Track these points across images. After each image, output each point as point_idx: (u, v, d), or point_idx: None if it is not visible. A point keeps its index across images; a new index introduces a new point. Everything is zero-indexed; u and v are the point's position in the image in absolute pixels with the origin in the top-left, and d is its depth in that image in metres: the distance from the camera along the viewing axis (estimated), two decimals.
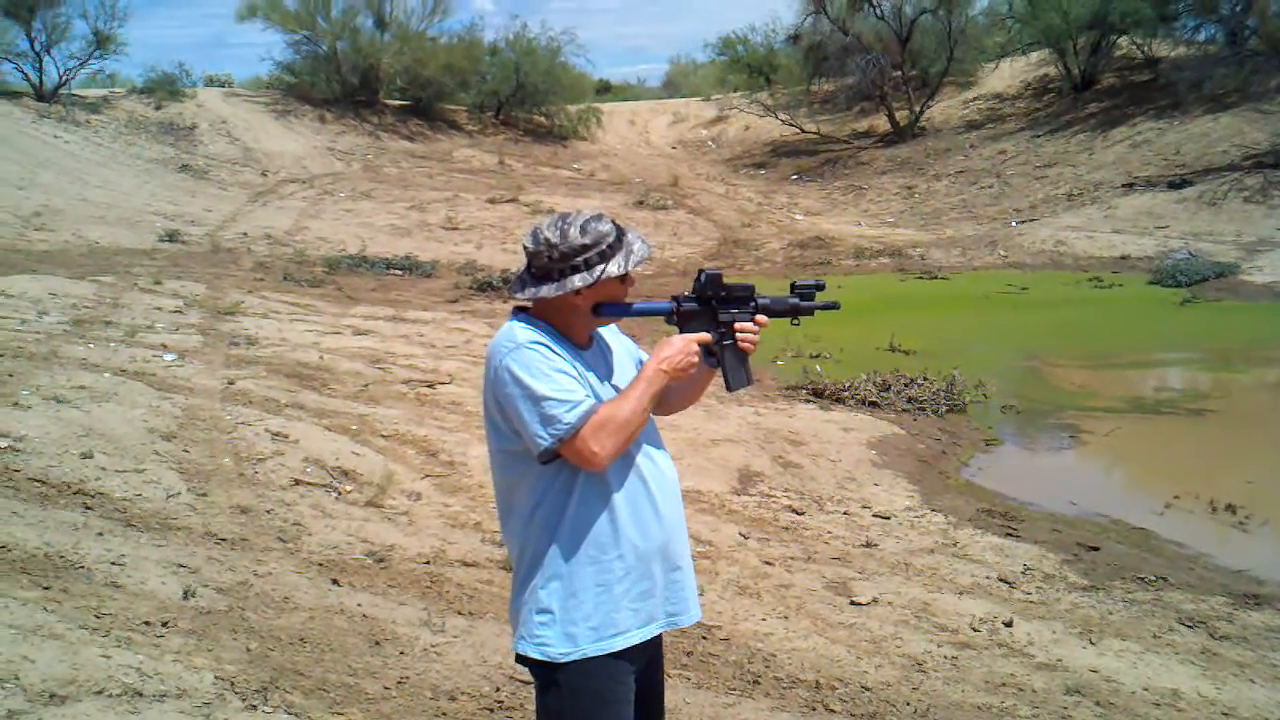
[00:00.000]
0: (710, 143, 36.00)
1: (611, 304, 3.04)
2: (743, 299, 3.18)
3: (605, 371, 3.13)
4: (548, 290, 2.96)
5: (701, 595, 5.91)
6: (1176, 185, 21.64)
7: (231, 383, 9.32)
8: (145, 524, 6.24)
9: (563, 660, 2.93)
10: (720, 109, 37.39)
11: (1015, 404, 10.73)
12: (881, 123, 32.69)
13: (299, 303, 14.11)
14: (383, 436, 8.44)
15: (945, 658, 5.39)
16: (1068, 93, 29.95)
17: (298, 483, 7.29)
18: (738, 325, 3.16)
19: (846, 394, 10.61)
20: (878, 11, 33.04)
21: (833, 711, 4.82)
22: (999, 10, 34.06)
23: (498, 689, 4.81)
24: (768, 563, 6.61)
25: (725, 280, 3.16)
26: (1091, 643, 5.59)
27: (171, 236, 18.29)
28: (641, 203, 25.25)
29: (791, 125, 33.84)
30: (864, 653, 5.43)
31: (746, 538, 7.04)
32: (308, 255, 18.53)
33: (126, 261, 15.53)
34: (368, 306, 14.54)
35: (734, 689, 5.00)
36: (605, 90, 46.70)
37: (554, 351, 2.93)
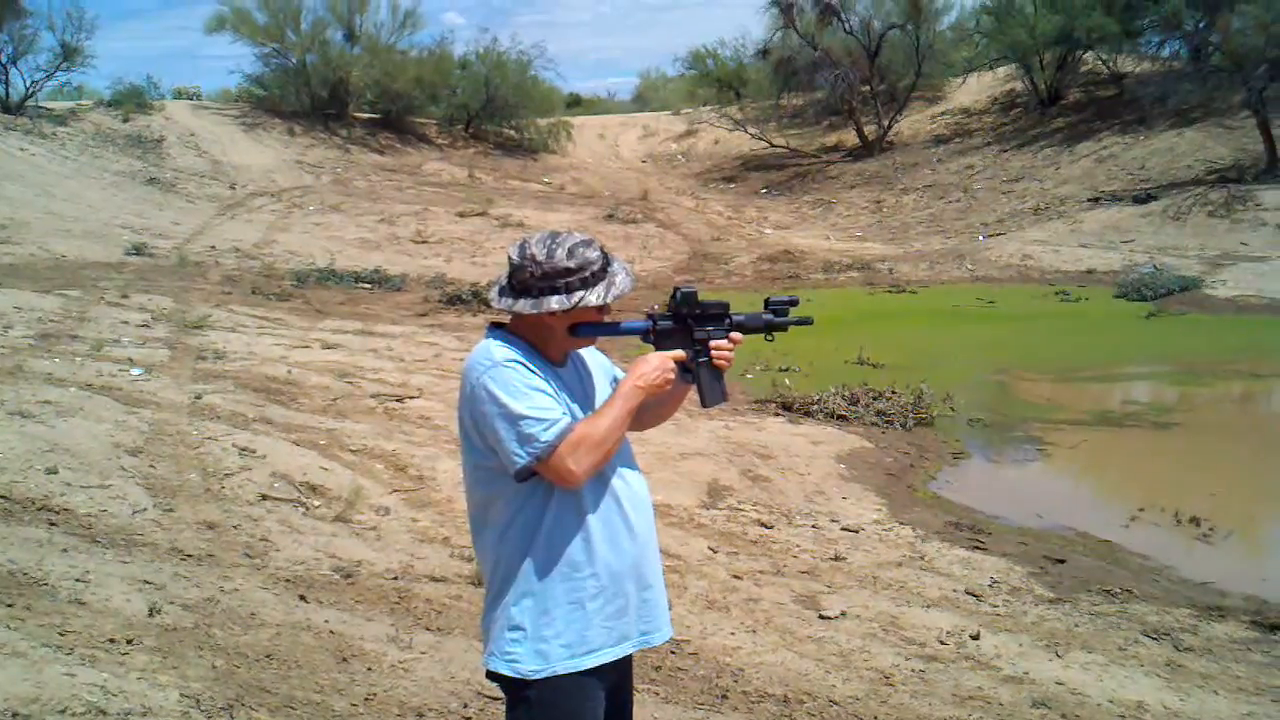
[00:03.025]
0: (680, 157, 36.10)
1: (587, 324, 3.05)
2: (718, 316, 3.20)
3: (581, 389, 3.13)
4: (524, 306, 2.97)
5: (670, 609, 5.94)
6: (1141, 200, 21.85)
7: (199, 397, 9.26)
8: (110, 540, 6.19)
9: (534, 677, 2.93)
10: (690, 123, 37.50)
11: (983, 417, 10.79)
12: (850, 137, 32.89)
13: (267, 316, 14.05)
14: (351, 451, 8.41)
15: (913, 671, 5.41)
16: (1034, 108, 30.22)
17: (265, 498, 7.25)
18: (713, 343, 3.18)
19: (815, 407, 10.65)
20: (846, 26, 33.23)
21: None
22: (966, 25, 34.35)
23: (465, 705, 4.80)
24: (736, 576, 6.62)
25: (700, 297, 3.18)
26: (1058, 655, 5.62)
27: (139, 250, 18.17)
28: (611, 216, 25.29)
29: (761, 139, 33.99)
30: (832, 666, 5.44)
31: (715, 551, 7.04)
32: (276, 269, 18.45)
33: (93, 275, 15.42)
34: (336, 320, 14.49)
35: (702, 704, 5.00)
36: (575, 104, 46.70)
37: (530, 369, 2.93)
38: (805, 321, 3.37)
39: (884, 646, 5.70)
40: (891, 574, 6.77)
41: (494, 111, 34.62)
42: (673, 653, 5.48)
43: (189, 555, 6.18)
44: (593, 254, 3.00)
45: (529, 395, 2.88)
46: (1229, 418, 11.35)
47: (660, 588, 3.21)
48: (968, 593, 6.48)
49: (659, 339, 3.15)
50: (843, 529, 7.66)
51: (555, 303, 2.95)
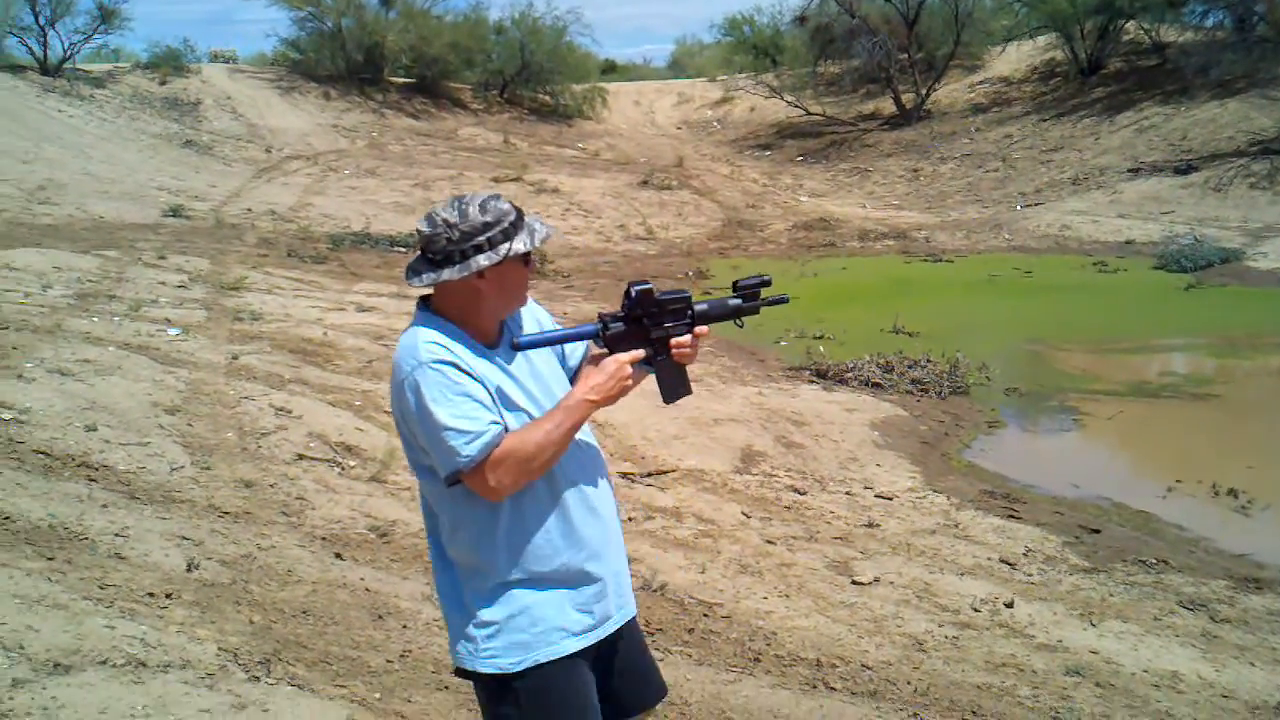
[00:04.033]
0: (716, 124, 35.88)
1: (530, 335, 2.90)
2: (677, 311, 2.99)
3: (522, 371, 2.95)
4: (450, 274, 2.78)
5: (703, 573, 6.00)
6: (1182, 171, 21.56)
7: (235, 358, 9.32)
8: (149, 497, 6.26)
9: (515, 670, 2.84)
10: (726, 90, 37.24)
11: (1018, 387, 10.72)
12: (887, 105, 32.58)
13: (303, 279, 14.11)
14: (385, 412, 8.44)
15: (946, 638, 5.41)
16: (1074, 77, 29.80)
17: (301, 457, 7.30)
18: (674, 340, 2.99)
19: (850, 375, 10.62)
20: None
21: (833, 689, 4.84)
22: None
23: None
24: (769, 542, 6.63)
25: (658, 292, 2.97)
26: (1092, 624, 5.61)
27: (176, 211, 18.26)
28: (646, 183, 25.19)
29: (797, 107, 33.72)
30: (865, 632, 5.44)
31: (749, 517, 7.05)
32: (312, 232, 18.51)
33: (131, 236, 15.51)
34: (371, 283, 14.53)
35: (735, 666, 5.02)
36: (610, 70, 46.45)
37: (460, 370, 2.76)
38: (780, 300, 3.18)
39: (917, 613, 5.70)
40: (925, 541, 6.76)
41: (529, 77, 34.50)
42: (705, 615, 5.51)
43: (226, 512, 6.24)
44: (504, 205, 2.83)
45: (454, 403, 2.72)
46: (1268, 390, 11.22)
47: (625, 560, 3.11)
48: (1002, 561, 6.47)
49: (612, 343, 2.93)
50: (876, 496, 7.66)
51: (484, 259, 2.77)
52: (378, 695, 4.51)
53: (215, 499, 6.41)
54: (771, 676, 4.94)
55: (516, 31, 34.83)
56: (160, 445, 7.09)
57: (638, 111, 36.96)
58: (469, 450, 2.70)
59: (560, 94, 34.93)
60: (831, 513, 7.26)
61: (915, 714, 4.65)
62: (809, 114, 33.42)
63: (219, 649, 4.60)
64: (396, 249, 17.72)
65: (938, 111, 31.24)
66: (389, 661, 4.75)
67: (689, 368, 3.10)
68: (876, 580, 6.09)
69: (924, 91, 31.61)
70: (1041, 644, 5.39)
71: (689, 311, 3.00)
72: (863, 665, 5.07)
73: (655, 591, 5.74)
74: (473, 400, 2.75)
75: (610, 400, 2.89)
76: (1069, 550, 6.70)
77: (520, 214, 2.87)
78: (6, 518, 5.53)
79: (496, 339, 2.94)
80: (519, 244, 2.81)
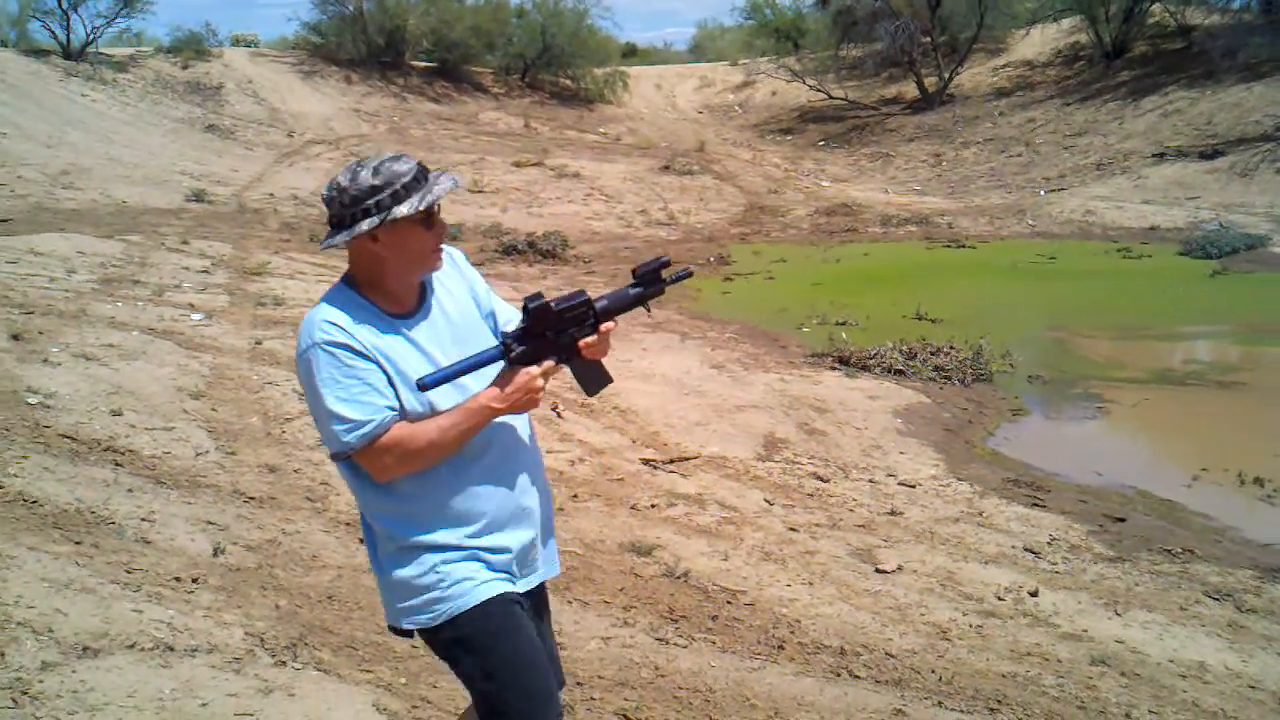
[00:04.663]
0: (737, 108, 35.79)
1: (432, 374, 2.77)
2: (578, 317, 2.95)
3: (441, 339, 2.91)
4: (340, 239, 2.75)
5: (726, 561, 5.99)
6: (1208, 156, 21.39)
7: (259, 343, 9.36)
8: (174, 481, 6.29)
9: (435, 625, 2.86)
10: (747, 74, 37.11)
11: (1042, 374, 10.67)
12: (910, 89, 32.43)
13: (325, 264, 14.14)
14: None
15: (970, 626, 5.40)
16: (1099, 61, 29.59)
17: None
18: (583, 341, 2.96)
19: (872, 362, 10.58)
20: None
21: (857, 677, 4.84)
22: None
23: None
24: (792, 529, 6.62)
25: (554, 303, 2.91)
26: (1117, 614, 5.59)
27: (198, 196, 18.32)
28: (667, 167, 25.15)
29: (819, 91, 33.59)
30: (889, 620, 5.43)
31: (771, 504, 7.05)
32: None
33: (154, 221, 15.57)
34: None
35: (759, 654, 5.02)
36: (632, 54, 46.38)
37: (354, 352, 2.73)
38: (683, 275, 3.14)
39: (941, 601, 5.68)
40: (949, 529, 6.74)
41: (550, 61, 34.47)
42: (729, 603, 5.51)
43: (251, 497, 6.27)
44: (402, 167, 2.76)
45: (342, 386, 2.71)
46: None
47: (550, 523, 3.14)
48: (1026, 549, 6.45)
49: (518, 362, 2.87)
50: (900, 484, 7.63)
51: (366, 225, 2.72)
52: (403, 680, 4.54)
53: (240, 484, 6.45)
54: (795, 664, 4.94)
55: (538, 15, 34.81)
56: (185, 430, 7.12)
57: (659, 96, 36.89)
58: (348, 439, 2.72)
59: (581, 78, 34.90)
60: (854, 500, 7.25)
61: (939, 703, 4.64)
62: (831, 98, 33.30)
63: (245, 633, 4.63)
64: None
65: (961, 95, 31.10)
66: (414, 646, 4.76)
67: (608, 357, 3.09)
68: (900, 568, 6.07)
69: (947, 75, 31.47)
70: (1066, 633, 5.37)
71: (591, 313, 2.97)
72: (886, 653, 5.07)
73: (678, 579, 5.74)
74: (363, 384, 2.73)
75: (517, 410, 2.87)
76: (1094, 539, 6.67)
77: (420, 175, 2.79)
78: (34, 501, 5.57)
79: (414, 305, 2.91)
80: (403, 208, 2.73)
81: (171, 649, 4.35)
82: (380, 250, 2.79)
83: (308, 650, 4.57)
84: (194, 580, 5.07)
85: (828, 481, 7.61)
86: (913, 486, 7.58)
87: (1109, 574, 6.14)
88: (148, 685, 4.07)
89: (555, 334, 2.92)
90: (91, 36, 28.59)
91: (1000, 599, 5.74)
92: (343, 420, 2.71)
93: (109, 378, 7.73)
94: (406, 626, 2.91)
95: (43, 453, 6.24)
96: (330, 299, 2.84)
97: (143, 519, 5.65)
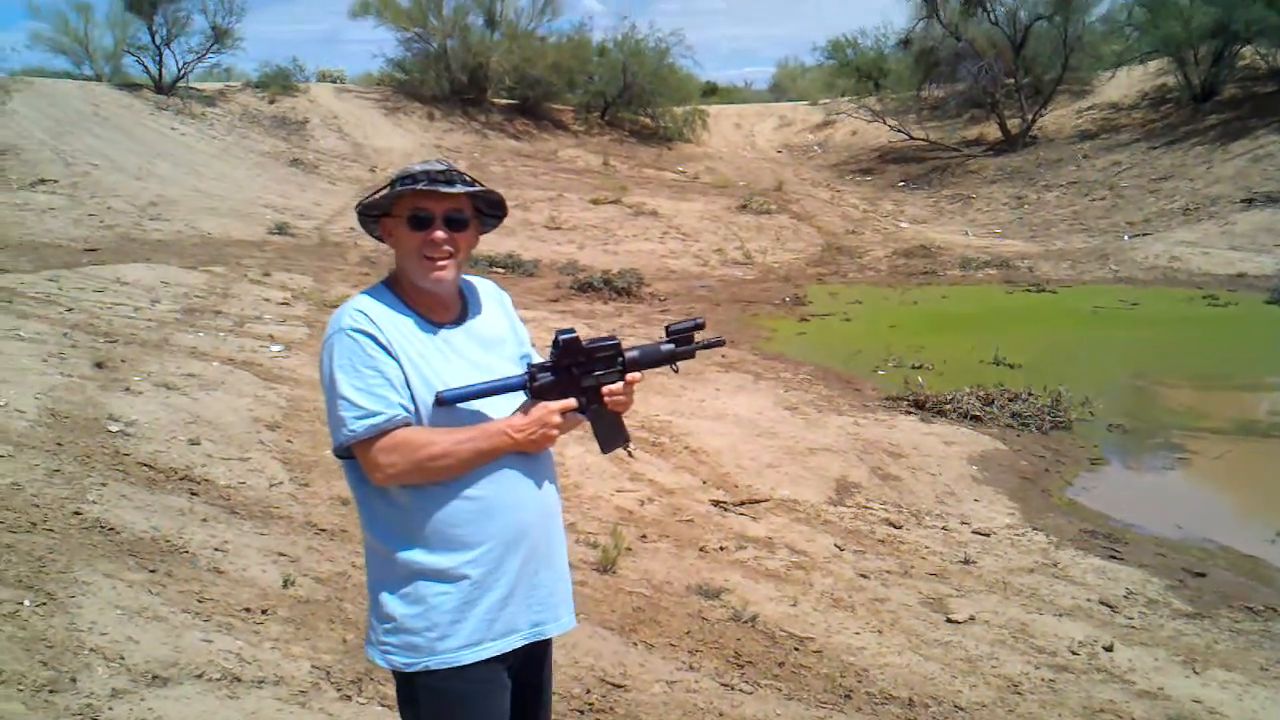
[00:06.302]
0: (816, 147, 35.77)
1: (455, 390, 2.74)
2: (607, 359, 2.90)
3: (472, 356, 2.87)
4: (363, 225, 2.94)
5: (795, 606, 5.92)
6: None
7: None
8: (248, 511, 6.37)
9: (408, 670, 2.76)
10: (827, 113, 37.14)
11: (1123, 423, 10.48)
12: (992, 130, 32.21)
13: None
14: None
15: (1043, 680, 5.29)
16: (1187, 103, 29.19)
17: None
18: (605, 389, 2.89)
19: (948, 407, 10.46)
20: (991, 17, 32.57)
21: None
22: (1117, 18, 33.30)
23: (588, 690, 4.82)
24: (863, 575, 6.55)
25: (585, 340, 2.88)
26: (1195, 672, 5.45)
27: (281, 229, 18.66)
28: (745, 206, 25.18)
29: (900, 131, 33.47)
30: (959, 671, 5.34)
31: (842, 549, 6.98)
32: None
33: (237, 252, 15.87)
34: None
35: (825, 702, 4.95)
36: (711, 92, 46.53)
37: (377, 343, 2.72)
38: (716, 343, 3.09)
39: (1013, 654, 5.58)
40: (1023, 580, 6.62)
41: (630, 99, 34.75)
42: (796, 649, 5.45)
43: (323, 529, 6.33)
44: (417, 167, 2.81)
45: (360, 374, 2.69)
46: None
47: (560, 572, 2.97)
48: (1102, 603, 6.32)
49: (539, 394, 2.82)
50: (974, 532, 7.53)
51: (357, 216, 2.89)
52: None
53: (313, 516, 6.51)
54: (863, 714, 4.87)
55: (619, 53, 35.13)
56: (260, 461, 7.22)
57: (738, 134, 36.99)
58: (356, 426, 2.68)
59: (661, 116, 35.13)
60: (927, 548, 7.15)
61: None
62: (912, 139, 33.16)
63: (312, 666, 4.66)
64: (495, 269, 17.89)
65: (1044, 138, 30.81)
66: None
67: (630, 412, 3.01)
68: (972, 619, 5.98)
69: (1030, 117, 31.22)
70: (1142, 690, 5.24)
71: (619, 358, 2.92)
72: (956, 706, 4.98)
73: (746, 623, 5.69)
74: (381, 377, 2.71)
75: (531, 445, 2.79)
76: (1172, 594, 6.52)
77: (424, 176, 2.78)
78: (111, 529, 5.66)
79: (449, 317, 2.90)
80: (377, 197, 2.83)
81: (239, 680, 4.39)
82: (390, 242, 2.88)
83: (373, 685, 4.59)
84: (263, 611, 5.12)
85: (900, 528, 7.52)
86: (987, 535, 7.46)
87: (1187, 630, 5.99)
88: (215, 716, 4.10)
89: (581, 371, 2.87)
90: (183, 71, 29.42)
91: (1074, 653, 5.63)
92: (353, 406, 2.68)
93: (188, 407, 7.86)
94: (379, 663, 2.80)
95: (121, 480, 6.35)
96: (367, 293, 2.87)
97: (215, 549, 5.72)
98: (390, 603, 2.77)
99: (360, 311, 2.76)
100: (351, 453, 2.76)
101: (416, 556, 2.74)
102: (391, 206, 2.84)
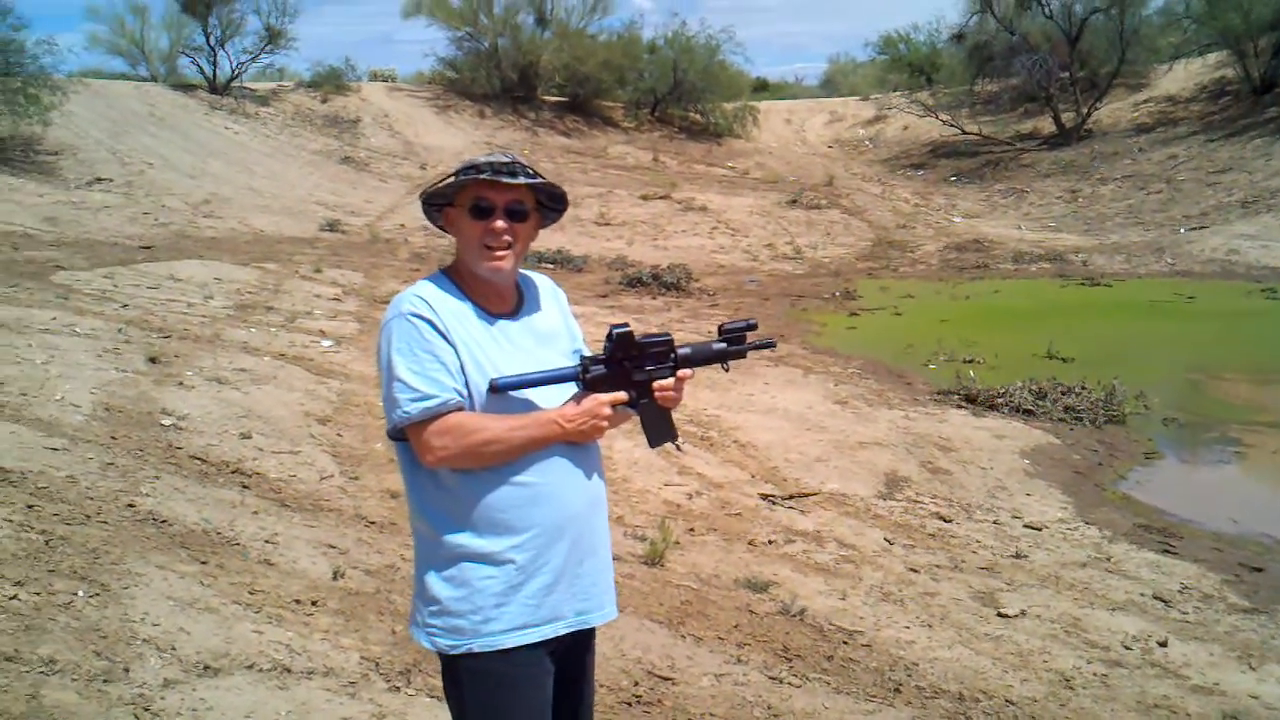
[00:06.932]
0: (868, 142, 35.53)
1: (507, 378, 2.76)
2: (660, 354, 2.92)
3: (527, 346, 2.90)
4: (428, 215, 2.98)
5: (843, 600, 5.90)
6: None
7: None
8: (299, 504, 6.42)
9: (452, 653, 2.78)
10: (879, 108, 36.86)
11: (1178, 417, 10.35)
12: (1046, 124, 31.84)
13: None
14: None
15: (1095, 675, 5.23)
16: (1246, 96, 28.72)
17: None
18: (657, 384, 2.91)
19: (1000, 401, 10.36)
20: (1046, 11, 32.19)
21: None
22: (1174, 10, 32.79)
23: (636, 683, 4.82)
24: (913, 570, 6.50)
25: (639, 335, 2.90)
26: (1251, 668, 5.37)
27: (332, 226, 18.82)
28: (795, 201, 25.08)
29: (952, 126, 33.15)
30: (1010, 666, 5.29)
31: (892, 543, 6.93)
32: None
33: (289, 249, 16.03)
34: None
35: (874, 696, 4.92)
36: (762, 88, 46.37)
37: (434, 329, 2.75)
38: (767, 345, 3.16)
39: (1065, 648, 5.52)
40: (1075, 574, 6.55)
41: (680, 95, 34.68)
42: (845, 643, 5.42)
43: (372, 522, 6.37)
44: (482, 159, 2.84)
45: (416, 357, 2.73)
46: None
47: (605, 563, 2.99)
48: (1156, 598, 6.23)
49: (591, 386, 2.84)
50: (1025, 526, 7.45)
51: (420, 205, 2.96)
52: None
53: (362, 509, 6.56)
54: (912, 708, 4.83)
55: (669, 50, 35.06)
56: (311, 454, 7.28)
57: (788, 130, 36.84)
58: (410, 408, 2.70)
59: (711, 112, 35.03)
60: (978, 542, 7.09)
61: None
62: (964, 133, 32.85)
63: (361, 657, 4.69)
64: (544, 265, 17.94)
65: (1099, 131, 30.43)
66: None
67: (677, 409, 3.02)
68: (1023, 613, 5.92)
69: (1085, 110, 30.83)
70: (1197, 686, 5.17)
71: (672, 354, 2.93)
72: (1007, 700, 4.93)
73: (794, 616, 5.67)
74: (437, 361, 2.74)
75: (580, 436, 2.81)
76: (1228, 589, 6.43)
77: (487, 168, 2.82)
78: (164, 521, 5.73)
79: (506, 309, 2.93)
80: (443, 185, 2.87)
81: (289, 671, 4.43)
82: (451, 231, 2.93)
83: (421, 677, 4.61)
84: (313, 603, 5.16)
85: (950, 522, 7.46)
86: (1039, 529, 7.39)
87: (1244, 626, 5.90)
88: (265, 706, 4.14)
89: (633, 366, 2.89)
90: (236, 71, 29.80)
91: (1127, 648, 5.56)
92: (408, 388, 2.71)
93: (240, 401, 7.95)
94: (424, 645, 2.83)
95: (174, 473, 6.43)
96: (428, 279, 2.91)
97: (266, 541, 5.78)
98: (436, 585, 2.79)
99: (420, 297, 2.80)
100: (405, 435, 2.77)
101: (463, 540, 2.76)
102: (455, 196, 2.87)
